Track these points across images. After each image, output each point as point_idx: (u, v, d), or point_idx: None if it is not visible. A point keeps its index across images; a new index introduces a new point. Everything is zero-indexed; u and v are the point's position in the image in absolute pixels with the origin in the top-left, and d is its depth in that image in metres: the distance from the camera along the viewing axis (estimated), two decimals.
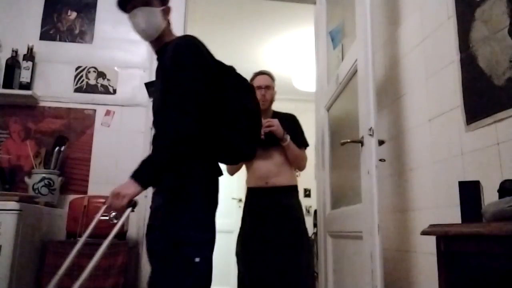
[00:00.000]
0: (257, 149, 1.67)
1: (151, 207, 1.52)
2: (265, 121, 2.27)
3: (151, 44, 1.59)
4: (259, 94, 2.38)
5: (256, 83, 2.44)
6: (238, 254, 2.32)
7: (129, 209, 1.33)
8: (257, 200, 2.33)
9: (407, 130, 1.91)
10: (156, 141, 1.47)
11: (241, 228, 2.37)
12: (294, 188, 2.37)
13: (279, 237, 2.20)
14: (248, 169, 2.45)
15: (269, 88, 2.44)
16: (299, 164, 2.40)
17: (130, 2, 1.48)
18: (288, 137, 2.29)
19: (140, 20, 1.48)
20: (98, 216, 1.44)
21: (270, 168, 2.31)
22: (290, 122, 2.38)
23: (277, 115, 2.42)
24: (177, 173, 1.39)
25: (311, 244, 3.66)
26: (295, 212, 2.31)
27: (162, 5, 1.53)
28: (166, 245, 1.36)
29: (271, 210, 2.26)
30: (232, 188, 4.66)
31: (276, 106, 2.53)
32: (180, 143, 1.33)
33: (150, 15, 1.49)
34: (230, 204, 4.78)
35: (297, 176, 2.49)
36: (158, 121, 1.52)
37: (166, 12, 1.56)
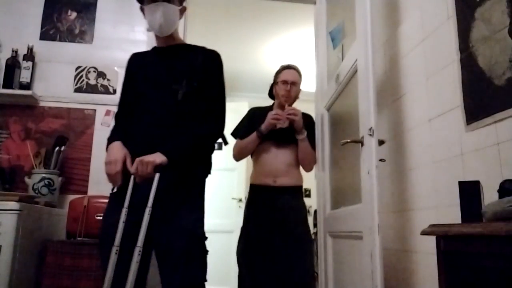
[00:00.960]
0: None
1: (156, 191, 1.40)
2: (289, 108, 2.21)
3: (158, 39, 1.60)
4: (283, 89, 2.28)
5: (282, 77, 2.33)
6: (241, 254, 2.23)
7: (157, 175, 1.33)
8: (263, 199, 2.25)
9: (407, 130, 1.90)
10: (191, 128, 1.48)
11: (244, 227, 2.28)
12: (300, 189, 2.34)
13: (285, 239, 2.16)
14: (255, 163, 2.36)
15: (295, 84, 2.33)
16: (307, 163, 2.33)
17: None
18: (305, 133, 2.24)
19: (159, 15, 1.48)
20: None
21: (280, 166, 2.25)
22: (305, 122, 2.30)
23: None
24: (197, 170, 1.48)
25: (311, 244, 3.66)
26: (302, 213, 2.28)
27: (180, 4, 1.55)
28: (192, 240, 1.40)
29: (279, 211, 2.20)
30: (232, 188, 4.64)
31: None
32: (215, 138, 1.51)
33: (170, 12, 1.50)
34: (230, 204, 4.76)
35: None
36: (183, 111, 1.52)
37: (182, 12, 1.58)
